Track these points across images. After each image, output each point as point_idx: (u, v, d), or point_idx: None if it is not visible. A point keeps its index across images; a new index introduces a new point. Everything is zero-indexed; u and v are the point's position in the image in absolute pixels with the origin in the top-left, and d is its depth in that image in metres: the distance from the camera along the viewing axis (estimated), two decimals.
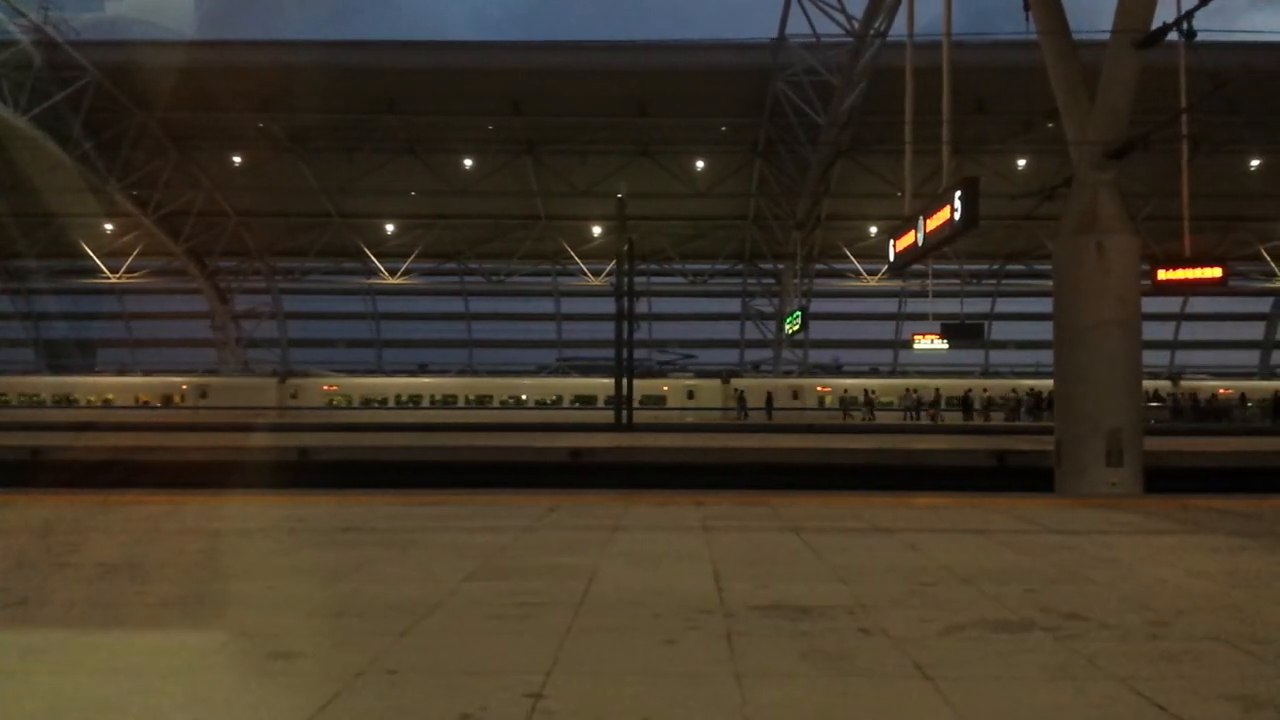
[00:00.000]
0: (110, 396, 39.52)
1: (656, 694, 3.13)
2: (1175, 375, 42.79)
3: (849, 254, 41.65)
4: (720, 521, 7.42)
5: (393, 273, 42.80)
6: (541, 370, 45.84)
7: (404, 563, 5.54)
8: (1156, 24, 12.07)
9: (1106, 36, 12.42)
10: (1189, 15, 11.54)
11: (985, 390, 38.95)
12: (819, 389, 40.86)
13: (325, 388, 38.18)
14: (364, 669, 3.40)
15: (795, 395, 39.66)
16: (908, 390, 38.38)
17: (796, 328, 34.92)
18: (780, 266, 41.73)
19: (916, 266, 33.26)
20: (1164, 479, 12.50)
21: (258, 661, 3.52)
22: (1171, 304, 42.76)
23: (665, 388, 40.26)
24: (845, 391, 39.90)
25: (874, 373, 44.84)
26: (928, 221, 13.45)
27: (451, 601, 4.48)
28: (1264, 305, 45.25)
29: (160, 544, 6.32)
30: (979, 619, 4.15)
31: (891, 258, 15.22)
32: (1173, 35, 11.98)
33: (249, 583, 5.01)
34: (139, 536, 6.61)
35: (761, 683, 3.24)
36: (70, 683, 3.26)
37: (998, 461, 16.55)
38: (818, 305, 43.79)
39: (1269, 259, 40.88)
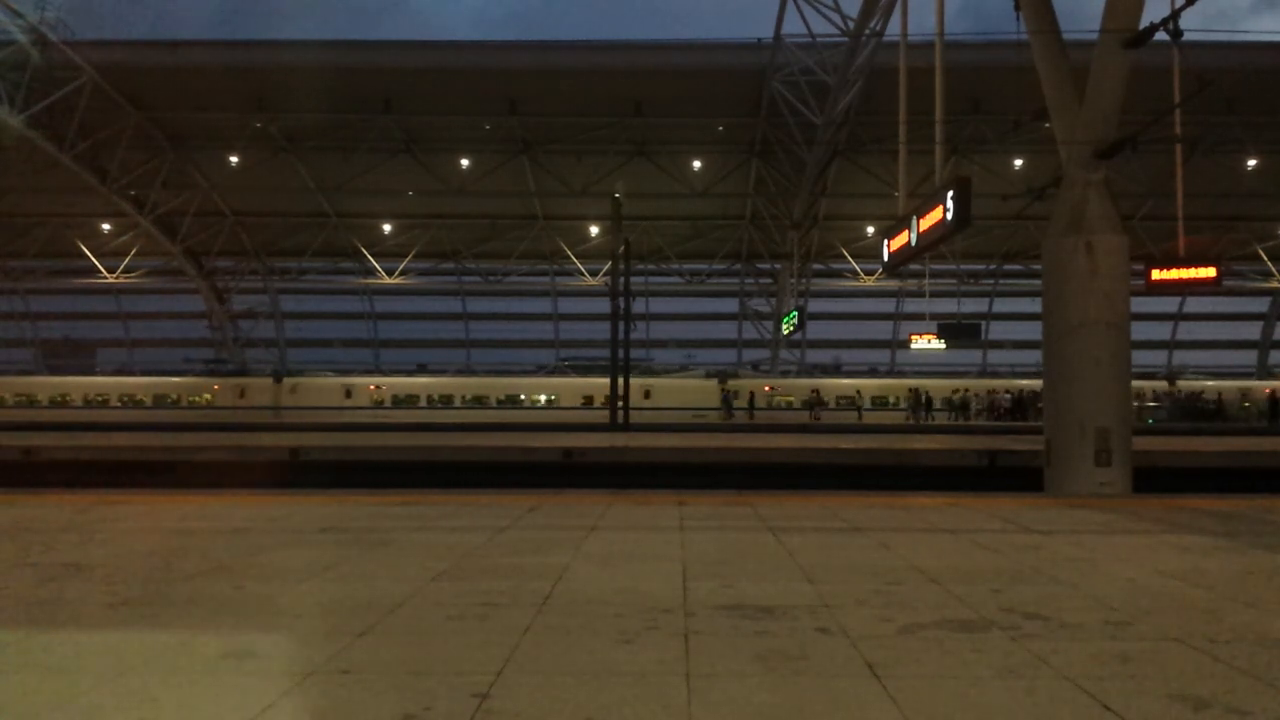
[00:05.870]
0: (523, 397, 40.64)
1: (604, 694, 3.12)
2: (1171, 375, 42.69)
3: (846, 254, 41.64)
4: (698, 521, 7.41)
5: (390, 273, 42.81)
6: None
7: (374, 562, 5.53)
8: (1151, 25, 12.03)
9: (1096, 36, 12.40)
10: (1176, 15, 11.51)
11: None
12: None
13: (766, 388, 38.83)
14: (316, 668, 3.40)
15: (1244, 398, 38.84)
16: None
17: (793, 328, 34.91)
18: (777, 266, 41.70)
19: (914, 266, 33.45)
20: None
21: (210, 661, 3.51)
22: (1169, 304, 42.74)
23: None
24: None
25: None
26: (921, 221, 13.46)
27: (414, 601, 4.48)
28: (1261, 305, 45.20)
29: (137, 543, 6.32)
30: (939, 619, 4.14)
31: (885, 258, 15.22)
32: (1162, 35, 11.96)
33: (217, 582, 5.01)
34: (116, 535, 6.60)
35: (711, 683, 3.24)
36: (19, 680, 3.26)
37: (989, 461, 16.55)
38: (815, 305, 43.81)
39: (1266, 259, 40.84)
